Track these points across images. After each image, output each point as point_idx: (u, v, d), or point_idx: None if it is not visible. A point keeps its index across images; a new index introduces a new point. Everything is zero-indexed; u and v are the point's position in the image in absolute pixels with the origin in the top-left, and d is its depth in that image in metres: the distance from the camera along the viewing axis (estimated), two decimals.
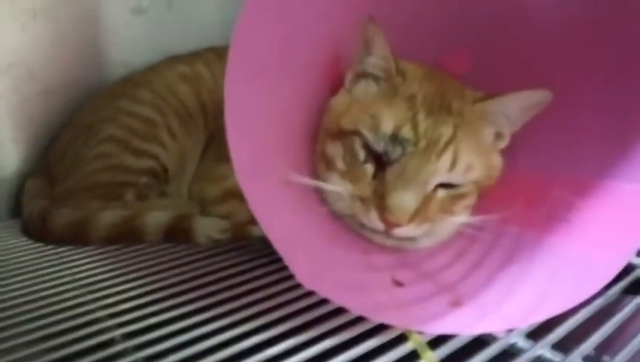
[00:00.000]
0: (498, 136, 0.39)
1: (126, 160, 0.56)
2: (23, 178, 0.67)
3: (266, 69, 0.37)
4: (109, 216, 0.52)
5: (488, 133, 0.39)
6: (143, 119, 0.58)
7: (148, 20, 0.74)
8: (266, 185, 0.36)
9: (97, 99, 0.66)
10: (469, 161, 0.37)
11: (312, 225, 0.39)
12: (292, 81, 0.39)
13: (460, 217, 0.38)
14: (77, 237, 0.52)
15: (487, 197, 0.41)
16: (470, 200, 0.39)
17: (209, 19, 0.79)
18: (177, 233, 0.51)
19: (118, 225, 0.52)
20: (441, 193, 0.37)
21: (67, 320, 0.38)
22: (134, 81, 0.64)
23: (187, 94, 0.61)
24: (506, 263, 0.37)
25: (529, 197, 0.40)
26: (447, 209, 0.38)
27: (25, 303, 0.41)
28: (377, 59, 0.38)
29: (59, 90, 0.69)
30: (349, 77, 0.40)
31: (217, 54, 0.67)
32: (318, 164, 0.41)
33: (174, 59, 0.69)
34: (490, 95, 0.39)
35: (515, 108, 0.38)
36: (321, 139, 0.41)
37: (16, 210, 0.67)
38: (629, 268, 0.43)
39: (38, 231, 0.54)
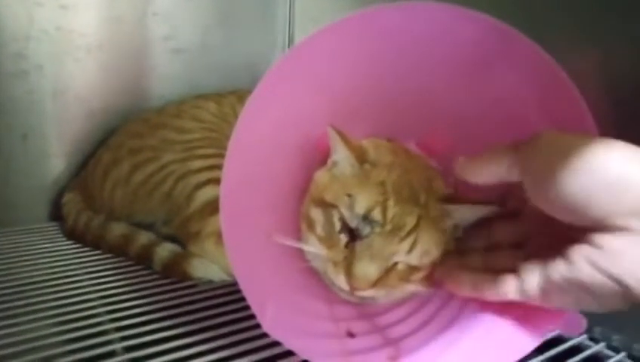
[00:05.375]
0: (455, 227, 0.46)
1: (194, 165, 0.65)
2: (62, 187, 0.77)
3: (263, 142, 0.44)
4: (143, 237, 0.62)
5: (447, 225, 0.46)
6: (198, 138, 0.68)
7: (184, 60, 0.83)
8: (251, 240, 0.43)
9: (136, 125, 0.74)
10: (426, 247, 0.44)
11: (290, 278, 0.46)
12: (286, 154, 0.47)
13: (415, 286, 0.45)
14: (122, 249, 0.63)
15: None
16: (425, 273, 0.45)
17: (236, 63, 0.88)
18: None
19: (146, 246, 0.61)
20: (401, 266, 0.44)
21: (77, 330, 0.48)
22: (173, 113, 0.74)
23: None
24: (446, 327, 0.44)
25: None
26: (404, 278, 0.45)
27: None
28: (341, 159, 0.46)
29: (100, 114, 0.79)
30: (329, 160, 0.48)
31: (239, 98, 0.75)
32: (302, 223, 0.49)
33: (202, 97, 0.77)
34: (453, 198, 0.46)
35: (470, 214, 0.45)
36: (307, 203, 0.48)
37: (52, 214, 0.77)
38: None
39: (94, 240, 0.66)
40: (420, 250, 0.44)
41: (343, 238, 0.44)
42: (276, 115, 0.43)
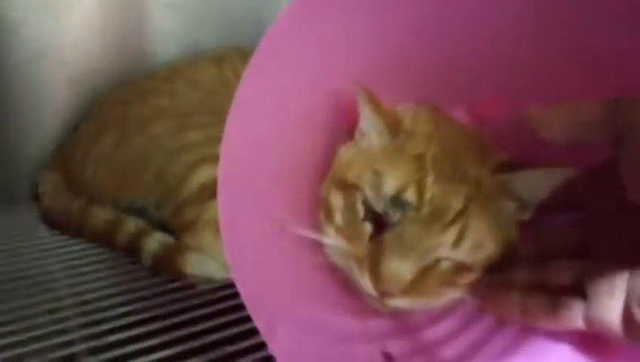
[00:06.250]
0: (521, 207, 0.35)
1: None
2: (45, 163, 0.68)
3: (276, 105, 0.34)
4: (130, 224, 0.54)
5: (508, 206, 0.35)
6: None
7: (178, 13, 0.73)
8: (257, 230, 0.34)
9: (122, 92, 0.65)
10: (479, 239, 0.33)
11: (307, 282, 0.37)
12: (307, 124, 0.37)
13: (461, 294, 0.35)
14: (105, 237, 0.55)
15: None
16: (478, 275, 0.35)
17: (238, 15, 0.78)
18: None
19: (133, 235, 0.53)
20: (445, 264, 0.34)
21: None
22: (165, 76, 0.65)
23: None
24: (510, 352, 0.34)
25: None
26: (450, 282, 0.34)
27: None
28: (369, 126, 0.36)
29: (85, 79, 0.70)
30: (358, 130, 0.37)
31: (243, 58, 0.65)
32: (320, 209, 0.39)
33: (200, 57, 0.68)
34: (514, 163, 0.35)
35: (540, 182, 0.34)
36: (327, 185, 0.38)
37: (32, 194, 0.68)
38: None
39: (75, 226, 0.57)
40: (471, 241, 0.33)
41: (368, 227, 0.35)
42: (293, 72, 0.34)
